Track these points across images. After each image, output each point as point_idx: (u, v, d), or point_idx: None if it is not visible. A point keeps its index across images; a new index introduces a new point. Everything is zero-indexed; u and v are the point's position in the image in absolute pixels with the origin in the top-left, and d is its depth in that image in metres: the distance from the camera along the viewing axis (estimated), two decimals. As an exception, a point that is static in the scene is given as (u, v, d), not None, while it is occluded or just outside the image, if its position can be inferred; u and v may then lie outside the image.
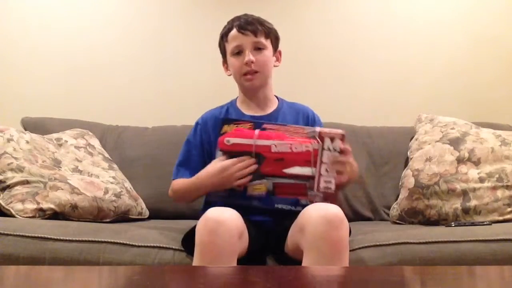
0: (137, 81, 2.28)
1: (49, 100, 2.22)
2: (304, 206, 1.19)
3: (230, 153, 1.24)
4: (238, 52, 1.41)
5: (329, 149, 1.19)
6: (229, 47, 1.43)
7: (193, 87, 2.26)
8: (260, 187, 1.24)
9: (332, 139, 1.19)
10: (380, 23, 2.31)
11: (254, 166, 1.23)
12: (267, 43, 1.43)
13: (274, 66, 1.48)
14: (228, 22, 1.46)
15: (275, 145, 1.21)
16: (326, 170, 1.19)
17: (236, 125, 1.25)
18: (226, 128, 1.25)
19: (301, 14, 2.30)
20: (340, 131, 1.21)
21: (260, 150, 1.22)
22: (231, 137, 1.24)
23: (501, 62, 2.28)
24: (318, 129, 1.22)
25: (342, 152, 1.20)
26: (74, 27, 2.28)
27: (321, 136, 1.20)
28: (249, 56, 1.39)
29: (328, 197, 1.20)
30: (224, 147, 1.25)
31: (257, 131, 1.24)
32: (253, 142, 1.22)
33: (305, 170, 1.20)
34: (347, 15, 2.32)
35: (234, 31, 1.42)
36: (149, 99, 2.26)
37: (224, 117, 1.41)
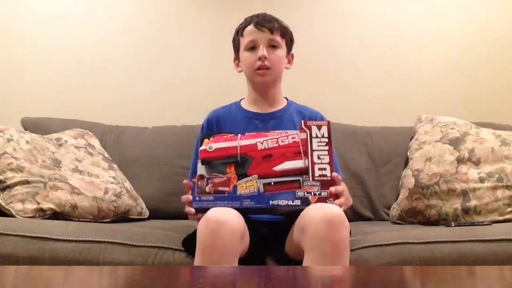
0: (137, 81, 2.28)
1: (49, 100, 2.23)
2: (301, 198, 1.14)
3: (211, 163, 1.16)
4: (253, 47, 1.42)
5: (317, 136, 1.16)
6: (244, 41, 1.44)
7: (193, 87, 2.26)
8: (252, 184, 1.15)
9: (318, 127, 1.17)
10: (380, 24, 2.31)
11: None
12: (282, 42, 1.44)
13: (286, 68, 1.48)
14: (246, 19, 1.47)
15: (261, 142, 1.17)
16: (319, 157, 1.14)
17: (216, 136, 1.23)
18: (207, 141, 1.22)
19: (300, 14, 2.30)
20: (324, 121, 1.19)
21: (245, 151, 1.16)
22: (213, 143, 1.19)
23: (501, 62, 2.28)
24: (302, 123, 1.19)
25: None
26: (74, 27, 2.28)
27: (307, 126, 1.17)
28: (263, 51, 1.40)
29: (325, 184, 1.14)
30: (207, 155, 1.17)
31: (239, 135, 1.21)
32: (237, 143, 1.18)
33: (297, 163, 1.15)
34: (347, 16, 2.32)
35: (251, 26, 1.43)
36: (149, 99, 2.27)
37: (206, 132, 1.40)
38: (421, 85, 2.28)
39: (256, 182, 1.14)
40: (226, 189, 1.14)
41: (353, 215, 1.85)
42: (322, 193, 1.15)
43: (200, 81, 2.26)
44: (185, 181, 1.23)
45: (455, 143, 1.71)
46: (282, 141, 1.16)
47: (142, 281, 0.76)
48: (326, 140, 1.15)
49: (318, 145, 1.15)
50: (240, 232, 1.13)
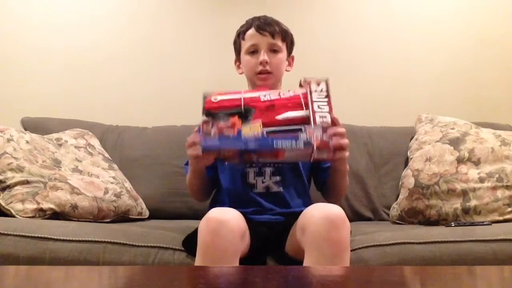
0: (137, 81, 2.28)
1: (49, 100, 2.22)
2: (304, 142, 1.13)
3: (215, 115, 1.16)
4: (254, 51, 1.42)
5: (316, 91, 1.18)
6: (245, 45, 1.44)
7: (193, 87, 2.26)
8: (256, 127, 1.15)
9: (317, 83, 1.19)
10: (380, 23, 2.31)
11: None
12: (283, 46, 1.44)
13: (286, 70, 1.48)
14: (247, 22, 1.47)
15: (264, 95, 1.19)
16: (319, 107, 1.16)
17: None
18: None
19: (300, 14, 2.30)
20: (324, 77, 1.21)
21: (248, 102, 1.17)
22: (217, 95, 1.19)
23: (501, 62, 2.28)
24: (301, 80, 1.22)
25: (334, 123, 1.15)
26: (74, 27, 2.27)
27: (307, 81, 1.20)
28: (264, 56, 1.40)
29: (327, 128, 1.15)
30: (211, 105, 1.17)
31: (242, 90, 1.22)
32: (241, 96, 1.19)
33: (298, 113, 1.16)
34: (347, 15, 2.32)
35: (252, 30, 1.43)
36: (149, 99, 2.26)
37: (205, 92, 1.25)
38: (421, 85, 2.28)
39: (260, 125, 1.15)
40: (231, 132, 1.15)
41: (353, 215, 1.85)
42: (324, 136, 1.14)
43: (200, 81, 2.26)
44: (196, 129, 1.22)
45: (455, 143, 1.71)
46: (283, 94, 1.19)
47: (142, 281, 0.76)
48: (325, 93, 1.18)
49: (318, 97, 1.17)
50: (241, 232, 1.13)
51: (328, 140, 1.13)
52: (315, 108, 1.16)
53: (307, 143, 1.13)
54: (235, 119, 1.15)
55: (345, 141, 1.16)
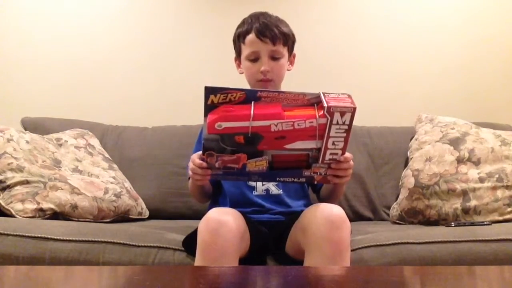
0: (137, 81, 2.28)
1: (49, 100, 2.22)
2: (307, 178, 1.13)
3: (219, 135, 1.08)
4: (254, 58, 1.39)
5: (337, 123, 1.07)
6: (246, 50, 1.41)
7: (193, 87, 2.25)
8: (261, 163, 1.11)
9: (342, 114, 1.06)
10: (380, 23, 2.31)
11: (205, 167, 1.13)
12: (284, 50, 1.41)
13: (287, 70, 1.46)
14: (247, 21, 1.42)
15: (275, 125, 1.08)
16: (333, 143, 1.09)
17: (224, 95, 1.07)
18: (213, 98, 1.07)
19: (301, 14, 2.30)
20: (351, 105, 1.06)
21: (257, 130, 1.08)
22: (223, 121, 1.07)
23: (501, 62, 2.28)
24: (323, 98, 1.08)
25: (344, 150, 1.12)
26: (74, 27, 2.27)
27: (330, 112, 1.05)
28: (265, 66, 1.37)
29: (331, 164, 1.13)
30: (215, 132, 1.07)
31: (252, 109, 1.07)
32: (249, 124, 1.07)
33: (309, 144, 1.09)
34: (347, 14, 2.32)
35: (252, 36, 1.38)
36: (149, 99, 2.26)
37: (207, 86, 1.13)
38: (421, 85, 2.28)
39: (266, 161, 1.11)
40: (236, 166, 1.11)
41: (353, 215, 1.85)
42: (327, 174, 1.15)
43: (200, 81, 2.25)
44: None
45: (455, 143, 1.71)
46: (298, 125, 1.08)
47: (142, 281, 0.76)
48: (346, 127, 1.07)
49: (336, 132, 1.08)
50: (240, 232, 1.13)
51: (330, 177, 1.15)
52: (329, 145, 1.09)
53: (309, 178, 1.15)
54: (242, 154, 1.10)
55: (348, 174, 1.16)
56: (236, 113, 1.07)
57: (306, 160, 1.11)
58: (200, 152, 1.13)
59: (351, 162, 1.16)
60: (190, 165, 1.18)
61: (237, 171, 1.12)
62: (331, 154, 1.11)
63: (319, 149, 1.10)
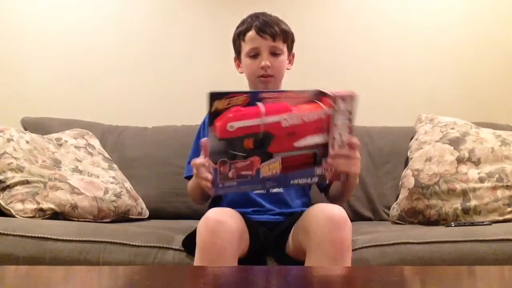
0: (137, 81, 2.27)
1: (49, 100, 2.22)
2: (319, 176, 1.12)
3: (229, 139, 1.05)
4: (255, 54, 1.40)
5: (341, 110, 1.08)
6: (246, 47, 1.41)
7: (193, 87, 2.26)
8: (275, 165, 1.10)
9: (344, 100, 1.08)
10: (379, 23, 2.31)
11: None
12: (284, 47, 1.42)
13: (286, 68, 1.46)
14: (246, 20, 1.43)
15: (286, 119, 1.08)
16: (340, 134, 1.10)
17: (228, 100, 1.05)
18: (217, 104, 1.04)
19: (300, 14, 2.30)
20: (350, 92, 1.08)
21: (269, 129, 1.07)
22: (234, 121, 1.04)
23: (501, 62, 2.28)
24: (324, 91, 1.10)
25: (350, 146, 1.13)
26: (74, 27, 2.27)
27: (333, 99, 1.07)
28: (265, 61, 1.37)
29: (341, 156, 1.12)
30: (227, 135, 1.05)
31: (262, 107, 1.07)
32: (261, 121, 1.06)
33: (317, 139, 1.10)
34: (347, 14, 2.32)
35: (252, 33, 1.39)
36: (149, 99, 2.26)
37: (211, 91, 1.10)
38: (421, 85, 2.28)
39: (279, 163, 1.10)
40: (249, 173, 1.09)
41: (353, 215, 1.84)
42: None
43: (200, 81, 2.26)
44: (203, 139, 1.10)
45: (455, 143, 1.71)
46: (307, 118, 1.09)
47: (142, 281, 0.76)
48: (349, 115, 1.09)
49: (341, 120, 1.09)
50: (239, 232, 1.13)
51: (334, 163, 1.13)
52: (336, 135, 1.10)
53: (322, 177, 1.14)
54: (254, 158, 1.09)
55: (353, 164, 1.14)
56: (247, 112, 1.06)
57: (313, 158, 1.12)
58: (206, 163, 1.08)
59: (357, 154, 1.13)
60: (200, 173, 1.10)
61: (251, 179, 1.09)
62: (338, 146, 1.11)
63: (326, 145, 1.11)
